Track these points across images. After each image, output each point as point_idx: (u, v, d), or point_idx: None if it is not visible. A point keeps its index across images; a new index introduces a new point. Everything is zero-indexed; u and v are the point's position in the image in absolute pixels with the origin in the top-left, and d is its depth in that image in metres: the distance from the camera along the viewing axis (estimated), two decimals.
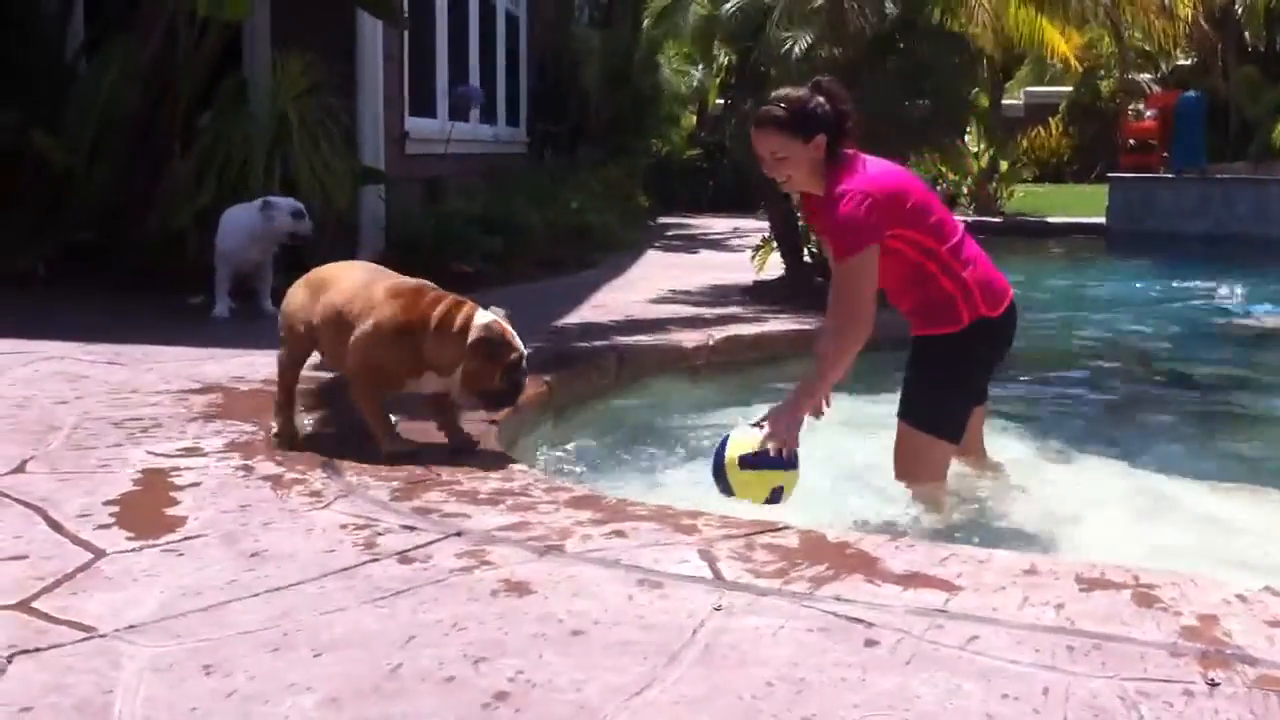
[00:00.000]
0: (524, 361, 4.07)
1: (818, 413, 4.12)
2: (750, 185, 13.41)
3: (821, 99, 4.00)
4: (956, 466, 4.27)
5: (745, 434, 3.89)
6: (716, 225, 15.37)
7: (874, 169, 4.01)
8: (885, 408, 4.57)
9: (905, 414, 4.15)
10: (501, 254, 9.07)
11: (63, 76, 8.38)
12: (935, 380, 4.13)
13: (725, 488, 3.85)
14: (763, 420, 3.95)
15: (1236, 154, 20.63)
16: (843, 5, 7.39)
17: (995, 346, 4.16)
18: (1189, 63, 22.15)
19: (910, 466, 4.14)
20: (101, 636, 2.45)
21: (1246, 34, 19.11)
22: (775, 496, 3.81)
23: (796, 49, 7.62)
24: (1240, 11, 19.10)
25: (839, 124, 4.00)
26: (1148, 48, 14.22)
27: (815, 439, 4.14)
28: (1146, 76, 22.65)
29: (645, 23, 10.88)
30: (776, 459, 3.82)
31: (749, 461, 3.82)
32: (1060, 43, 9.06)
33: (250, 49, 8.81)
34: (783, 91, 4.10)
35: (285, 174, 7.89)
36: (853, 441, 4.71)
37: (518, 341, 4.03)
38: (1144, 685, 2.24)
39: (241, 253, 7.04)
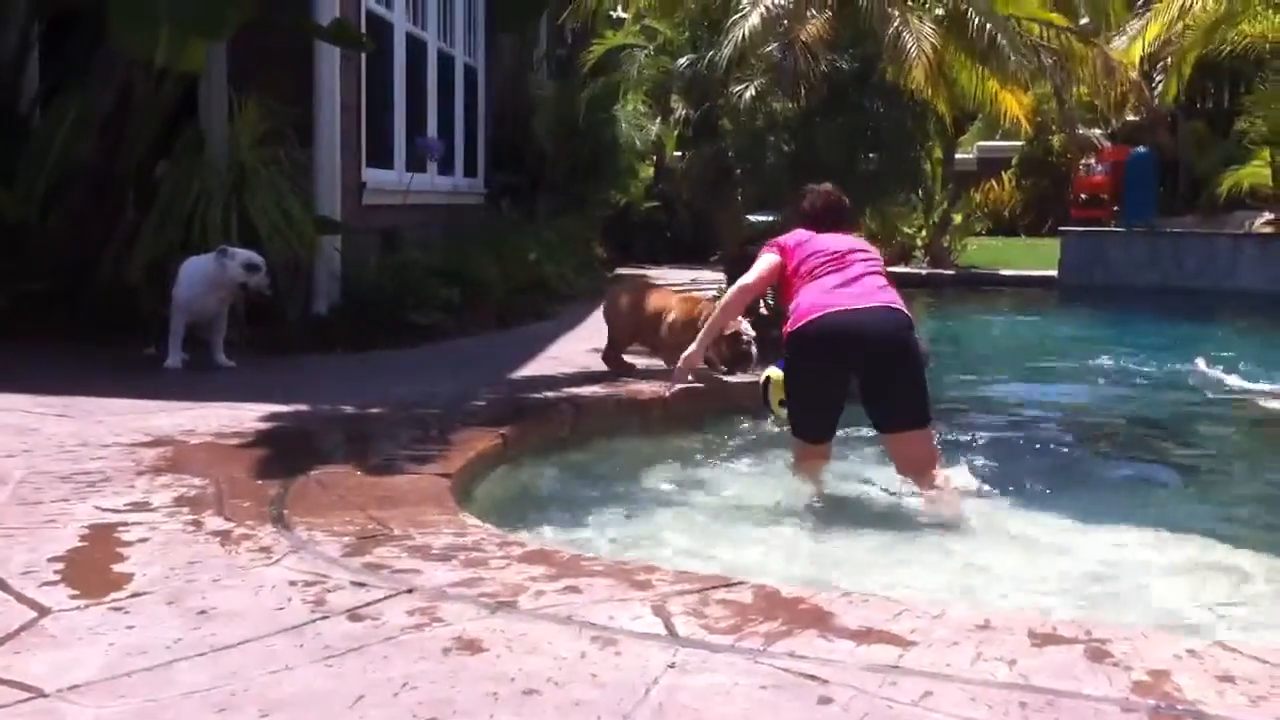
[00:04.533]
0: (742, 342, 6.61)
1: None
2: (708, 237, 13.51)
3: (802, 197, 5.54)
4: (917, 505, 4.67)
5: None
6: (674, 276, 15.37)
7: (803, 229, 5.34)
8: None
9: None
10: (459, 305, 9.06)
11: (17, 126, 8.33)
12: None
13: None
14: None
15: (1186, 207, 20.94)
16: (795, 57, 7.48)
17: (791, 364, 5.05)
18: (1138, 119, 22.50)
19: None
20: (45, 696, 2.41)
21: (1162, 91, 19.14)
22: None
23: (747, 96, 7.70)
24: (1159, 80, 19.26)
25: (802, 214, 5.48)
26: (1097, 103, 14.45)
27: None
28: (1097, 132, 22.99)
29: (587, 73, 11.02)
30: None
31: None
32: (1012, 104, 9.17)
33: (207, 98, 8.79)
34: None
35: (243, 224, 7.86)
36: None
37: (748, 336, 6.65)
38: None
39: (198, 302, 6.99)
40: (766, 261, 5.26)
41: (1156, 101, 18.93)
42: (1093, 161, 22.38)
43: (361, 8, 9.61)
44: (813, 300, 4.92)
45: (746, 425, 6.21)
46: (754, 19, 7.71)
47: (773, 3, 7.68)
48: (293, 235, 8.04)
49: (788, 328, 5.00)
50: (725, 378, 6.76)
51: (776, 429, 5.70)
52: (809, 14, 7.67)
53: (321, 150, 8.79)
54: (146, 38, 7.34)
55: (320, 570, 3.25)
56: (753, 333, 6.67)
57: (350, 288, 8.79)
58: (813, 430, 5.09)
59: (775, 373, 5.34)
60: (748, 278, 5.32)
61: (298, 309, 8.47)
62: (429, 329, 8.54)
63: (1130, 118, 22.17)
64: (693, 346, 5.59)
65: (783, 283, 5.24)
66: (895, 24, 7.70)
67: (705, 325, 5.66)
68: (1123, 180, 19.01)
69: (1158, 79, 18.84)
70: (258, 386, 6.30)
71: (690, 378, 5.90)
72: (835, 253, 5.09)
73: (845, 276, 4.98)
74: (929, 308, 13.47)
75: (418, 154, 10.99)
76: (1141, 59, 17.89)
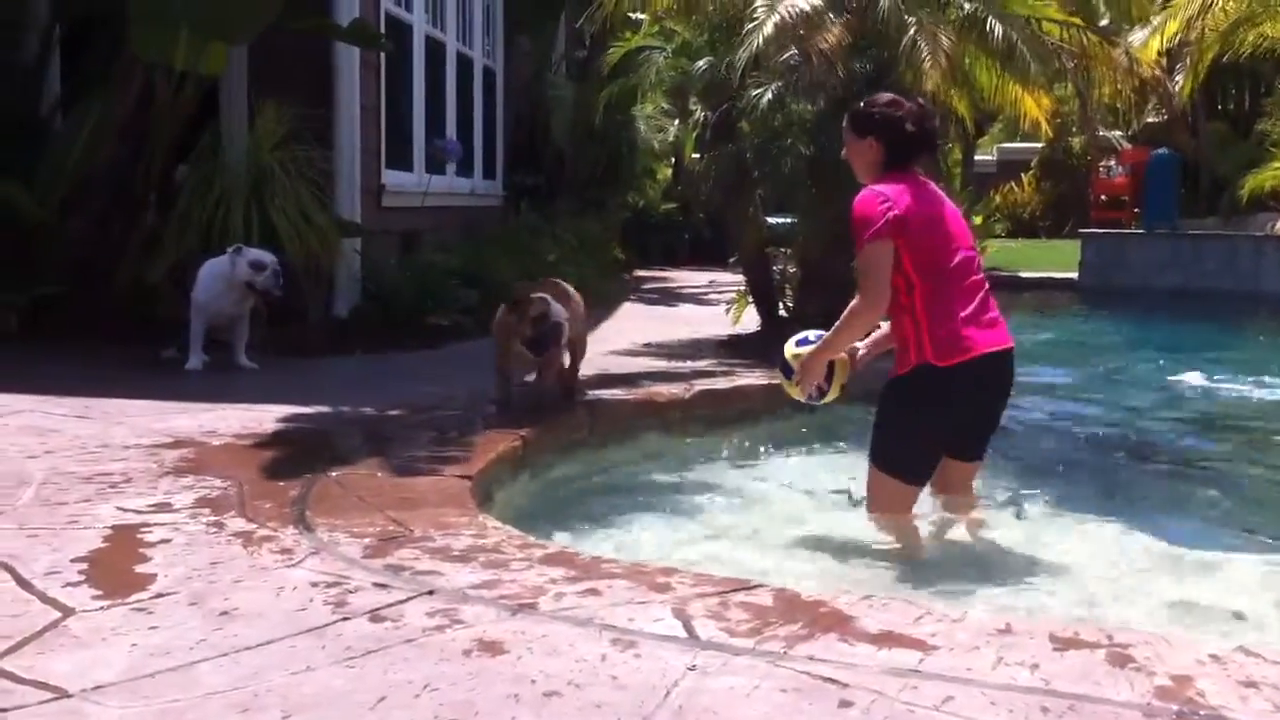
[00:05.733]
0: (547, 319, 5.59)
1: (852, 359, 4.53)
2: (726, 239, 13.52)
3: (893, 110, 4.26)
4: (937, 514, 4.43)
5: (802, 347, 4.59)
6: (693, 278, 15.42)
7: (910, 185, 4.17)
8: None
9: (870, 452, 4.38)
10: (477, 307, 9.08)
11: (38, 130, 8.38)
12: (881, 422, 4.33)
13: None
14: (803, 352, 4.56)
15: (1208, 209, 20.87)
16: (812, 62, 7.48)
17: (944, 399, 4.15)
18: (1160, 120, 22.43)
19: (872, 501, 4.38)
20: (69, 697, 2.42)
21: (1179, 91, 18.92)
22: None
23: (765, 99, 7.69)
24: (1179, 81, 19.10)
25: (897, 137, 4.22)
26: (1118, 105, 14.47)
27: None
28: (1117, 134, 22.91)
29: (606, 74, 11.03)
30: (787, 370, 4.65)
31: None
32: (1032, 106, 9.13)
33: (228, 101, 8.83)
34: (877, 95, 4.51)
35: (263, 227, 7.89)
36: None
37: (545, 304, 5.63)
38: None
39: (216, 303, 7.02)
40: (887, 259, 4.07)
41: (1175, 100, 18.85)
42: (1113, 163, 22.31)
43: (380, 9, 9.66)
44: (978, 330, 4.10)
45: (765, 427, 6.20)
46: (769, 27, 7.67)
47: (789, 11, 7.65)
48: (313, 238, 8.09)
49: (949, 354, 4.05)
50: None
51: (811, 412, 5.43)
52: (828, 19, 7.64)
53: (341, 153, 8.83)
54: (167, 42, 7.40)
55: (341, 571, 3.25)
56: (565, 315, 5.73)
57: (370, 289, 8.83)
58: (929, 473, 4.32)
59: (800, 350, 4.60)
60: (877, 295, 4.11)
61: (318, 311, 8.51)
62: (448, 330, 8.57)
63: (1151, 119, 22.09)
64: (813, 353, 4.49)
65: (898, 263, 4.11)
66: (912, 30, 7.68)
67: (827, 337, 4.42)
68: (1143, 182, 18.95)
69: (1177, 79, 18.77)
70: (278, 388, 6.32)
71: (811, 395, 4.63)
72: (970, 249, 4.24)
73: (985, 290, 4.19)
74: None
75: (436, 156, 11.02)
76: (1159, 53, 17.79)
